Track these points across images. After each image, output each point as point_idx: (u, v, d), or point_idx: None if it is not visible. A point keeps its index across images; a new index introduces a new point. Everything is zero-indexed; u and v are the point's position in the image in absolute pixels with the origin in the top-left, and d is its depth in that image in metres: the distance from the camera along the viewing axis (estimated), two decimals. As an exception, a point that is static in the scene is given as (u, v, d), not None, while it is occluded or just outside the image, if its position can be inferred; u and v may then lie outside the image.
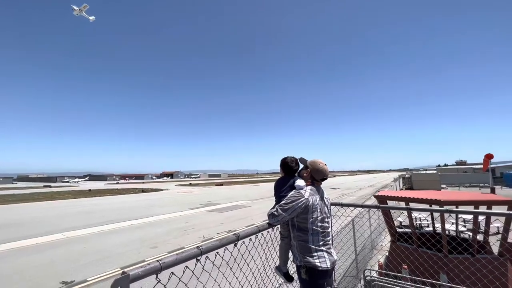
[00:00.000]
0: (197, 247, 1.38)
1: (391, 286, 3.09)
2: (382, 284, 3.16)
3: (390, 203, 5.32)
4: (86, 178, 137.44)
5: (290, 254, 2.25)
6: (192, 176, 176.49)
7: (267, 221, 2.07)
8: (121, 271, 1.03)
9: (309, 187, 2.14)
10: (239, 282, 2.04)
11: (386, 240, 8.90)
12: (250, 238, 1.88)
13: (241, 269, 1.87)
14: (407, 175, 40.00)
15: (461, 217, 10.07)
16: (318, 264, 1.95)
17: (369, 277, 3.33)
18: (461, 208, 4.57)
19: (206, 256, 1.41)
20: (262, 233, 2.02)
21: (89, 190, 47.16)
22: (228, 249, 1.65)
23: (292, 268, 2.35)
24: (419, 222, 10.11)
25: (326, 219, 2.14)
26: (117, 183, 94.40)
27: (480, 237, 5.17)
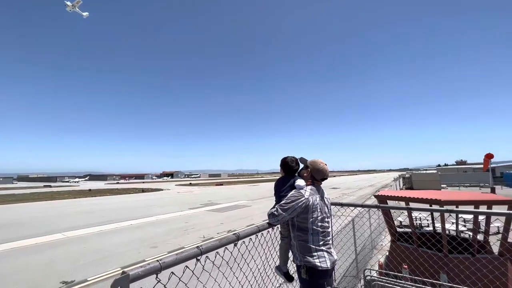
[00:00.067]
0: (197, 247, 1.37)
1: (391, 286, 3.09)
2: (382, 284, 3.16)
3: (390, 203, 5.32)
4: (86, 178, 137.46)
5: (290, 254, 2.25)
6: (192, 176, 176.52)
7: (267, 221, 2.06)
8: (121, 271, 1.03)
9: (309, 186, 2.14)
10: (239, 282, 2.03)
11: (386, 240, 8.90)
12: (250, 238, 1.88)
13: (241, 269, 1.87)
14: (407, 175, 40.01)
15: (461, 217, 10.07)
16: (318, 264, 1.95)
17: (369, 277, 3.33)
18: (461, 208, 4.56)
19: (206, 256, 1.41)
20: (262, 233, 2.02)
21: (89, 190, 47.17)
22: (228, 249, 1.65)
23: (292, 268, 2.35)
24: (419, 222, 10.12)
25: (326, 219, 2.14)
26: (117, 183, 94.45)
27: (480, 237, 5.18)
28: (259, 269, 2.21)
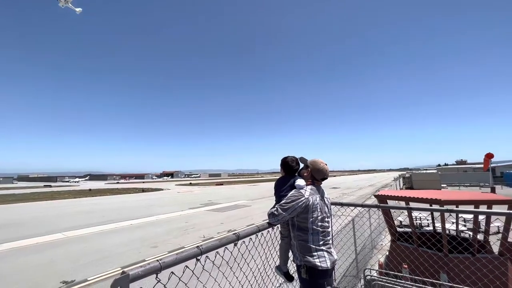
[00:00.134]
0: (197, 246, 1.37)
1: (391, 285, 3.09)
2: (382, 283, 3.16)
3: (390, 203, 5.32)
4: (87, 178, 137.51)
5: (290, 253, 2.25)
6: (192, 176, 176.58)
7: (267, 221, 2.06)
8: (121, 271, 1.03)
9: (309, 186, 2.14)
10: (239, 282, 2.03)
11: (386, 240, 8.90)
12: (250, 238, 1.88)
13: (241, 268, 1.87)
14: (407, 175, 40.01)
15: (462, 216, 10.07)
16: (318, 264, 1.95)
17: (369, 277, 3.33)
18: (461, 207, 4.56)
19: (206, 256, 1.41)
20: (262, 233, 2.02)
21: (89, 189, 47.19)
22: (228, 249, 1.65)
23: (292, 267, 2.35)
24: (419, 221, 10.12)
25: (326, 219, 2.14)
26: (117, 182, 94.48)
27: (480, 236, 5.18)
28: (259, 269, 2.21)
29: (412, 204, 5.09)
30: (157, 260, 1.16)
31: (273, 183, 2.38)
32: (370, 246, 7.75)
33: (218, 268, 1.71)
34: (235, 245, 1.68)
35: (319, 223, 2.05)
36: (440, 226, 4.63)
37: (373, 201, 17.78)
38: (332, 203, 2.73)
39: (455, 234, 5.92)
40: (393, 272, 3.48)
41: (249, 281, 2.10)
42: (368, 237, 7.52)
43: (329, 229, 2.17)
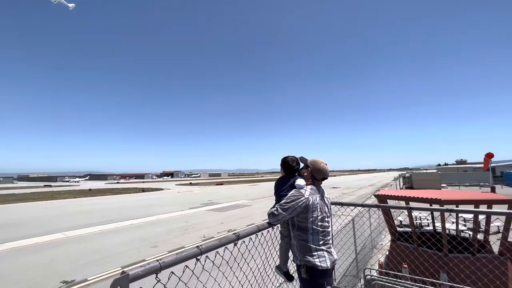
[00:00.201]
0: (197, 246, 1.37)
1: (391, 285, 3.09)
2: (382, 283, 3.16)
3: (390, 202, 5.32)
4: (87, 178, 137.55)
5: (290, 253, 2.25)
6: (192, 176, 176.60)
7: (267, 221, 2.06)
8: (120, 271, 1.03)
9: (309, 186, 2.14)
10: (239, 282, 2.03)
11: (386, 239, 8.91)
12: (250, 238, 1.88)
13: (241, 268, 1.87)
14: (407, 174, 40.00)
15: (461, 216, 10.07)
16: (318, 264, 1.95)
17: (369, 276, 3.33)
18: (461, 207, 4.56)
19: (206, 256, 1.41)
20: (262, 233, 2.02)
21: (90, 189, 47.20)
22: (228, 249, 1.65)
23: (292, 267, 2.35)
24: (419, 221, 10.11)
25: (326, 219, 2.14)
26: (118, 182, 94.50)
27: (480, 236, 5.18)
28: (259, 269, 2.21)
29: (412, 204, 5.08)
30: (157, 260, 1.16)
31: (273, 183, 2.38)
32: (370, 246, 7.75)
33: (218, 268, 1.71)
34: (235, 245, 1.67)
35: (319, 223, 2.05)
36: (440, 226, 4.63)
37: (373, 200, 17.78)
38: (332, 203, 2.73)
39: (455, 233, 5.92)
40: (393, 272, 3.49)
41: (249, 281, 2.10)
42: (368, 236, 7.53)
43: (329, 229, 2.17)
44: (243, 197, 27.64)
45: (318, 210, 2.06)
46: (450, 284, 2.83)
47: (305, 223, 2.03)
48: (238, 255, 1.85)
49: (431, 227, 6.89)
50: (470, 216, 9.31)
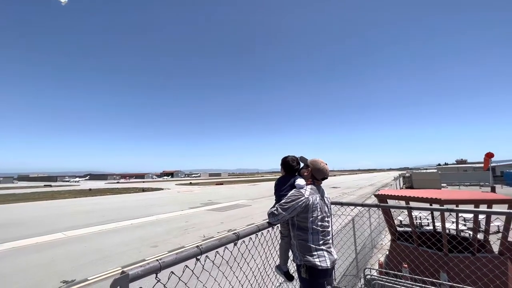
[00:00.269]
0: (197, 246, 1.37)
1: (391, 285, 3.09)
2: (383, 283, 3.16)
3: (390, 202, 5.31)
4: (87, 178, 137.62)
5: (290, 253, 2.25)
6: (192, 175, 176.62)
7: (267, 220, 2.06)
8: (120, 271, 1.03)
9: (309, 186, 2.14)
10: (239, 282, 2.03)
11: (386, 239, 8.91)
12: (250, 237, 1.87)
13: (241, 268, 1.87)
14: (407, 174, 40.00)
15: (462, 216, 10.07)
16: (318, 263, 1.95)
17: (369, 276, 3.33)
18: (461, 207, 4.57)
19: (206, 256, 1.41)
20: (262, 232, 2.01)
21: (90, 189, 47.22)
22: (228, 248, 1.65)
23: (292, 267, 2.35)
24: (419, 221, 10.11)
25: (326, 218, 2.14)
26: (118, 182, 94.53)
27: (480, 236, 5.17)
28: (259, 269, 2.21)
29: (412, 204, 5.09)
30: (157, 260, 1.16)
31: (273, 183, 2.37)
32: (370, 246, 7.76)
33: (218, 267, 1.71)
34: (235, 244, 1.67)
35: (319, 223, 2.05)
36: (440, 226, 4.63)
37: (373, 200, 17.77)
38: (332, 203, 2.73)
39: (455, 233, 5.93)
40: (393, 272, 3.48)
41: (249, 281, 2.10)
42: (368, 236, 7.53)
43: (329, 229, 2.17)
44: (243, 197, 27.65)
45: (318, 210, 2.06)
46: (450, 283, 2.83)
47: (305, 223, 2.03)
48: (238, 255, 1.85)
49: (431, 227, 6.89)
50: (470, 215, 9.31)
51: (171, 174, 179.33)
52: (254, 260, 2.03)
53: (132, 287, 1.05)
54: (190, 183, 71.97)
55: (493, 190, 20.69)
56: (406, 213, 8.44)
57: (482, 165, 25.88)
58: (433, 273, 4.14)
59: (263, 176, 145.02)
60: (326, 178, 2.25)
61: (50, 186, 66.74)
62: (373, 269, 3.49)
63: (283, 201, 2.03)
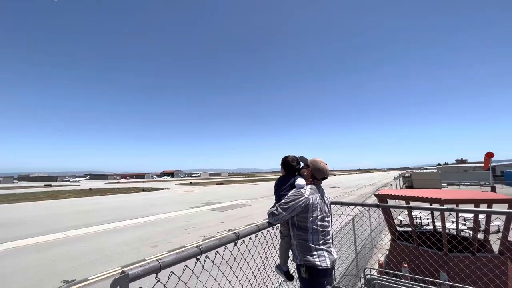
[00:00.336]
0: (197, 246, 1.37)
1: (391, 284, 3.09)
2: (383, 282, 3.16)
3: (391, 202, 5.32)
4: (87, 177, 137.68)
5: (290, 253, 2.25)
6: (193, 175, 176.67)
7: (267, 220, 2.06)
8: (120, 271, 1.03)
9: (309, 186, 2.14)
10: (239, 281, 2.03)
11: (386, 239, 8.91)
12: (250, 237, 1.87)
13: (241, 268, 1.87)
14: (407, 174, 39.99)
15: (462, 215, 10.07)
16: (318, 263, 1.95)
17: (369, 276, 3.33)
18: (461, 206, 4.56)
19: (206, 255, 1.41)
20: (262, 232, 2.01)
21: (90, 189, 47.24)
22: (228, 248, 1.65)
23: (292, 267, 2.35)
24: (419, 220, 10.12)
25: (326, 218, 2.14)
26: (118, 182, 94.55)
27: (480, 235, 5.17)
28: (259, 268, 2.21)
29: (412, 203, 5.09)
30: (157, 260, 1.16)
31: (273, 183, 2.38)
32: (370, 245, 7.76)
33: (218, 267, 1.71)
34: (235, 244, 1.67)
35: (319, 223, 2.05)
36: (440, 225, 4.63)
37: (373, 200, 17.77)
38: (332, 203, 2.73)
39: (455, 233, 5.92)
40: (393, 271, 3.49)
41: (249, 281, 2.10)
42: (368, 236, 7.53)
43: (329, 229, 2.17)
44: (243, 197, 27.66)
45: (318, 209, 2.07)
46: (450, 283, 2.83)
47: (305, 223, 2.04)
48: (238, 255, 1.86)
49: (431, 227, 6.89)
50: (470, 215, 9.31)
51: (171, 174, 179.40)
52: (254, 260, 2.03)
53: (132, 287, 1.05)
54: (190, 183, 72.00)
55: (493, 189, 20.69)
56: (406, 212, 8.44)
57: (482, 164, 25.89)
58: (433, 273, 4.15)
59: (263, 176, 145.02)
60: (326, 178, 2.25)
61: (50, 186, 66.78)
62: (373, 268, 3.49)
63: (283, 200, 2.03)
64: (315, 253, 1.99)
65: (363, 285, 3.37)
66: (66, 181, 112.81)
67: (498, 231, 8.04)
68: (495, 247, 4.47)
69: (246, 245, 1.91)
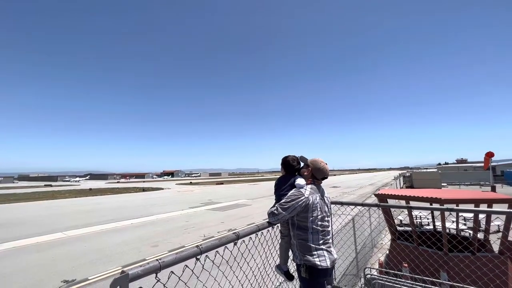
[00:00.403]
0: (197, 246, 1.37)
1: (391, 284, 3.09)
2: (383, 282, 3.16)
3: (391, 202, 5.32)
4: (87, 177, 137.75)
5: (290, 252, 2.25)
6: (193, 175, 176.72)
7: (267, 220, 2.06)
8: (120, 270, 1.03)
9: (309, 185, 2.14)
10: (239, 281, 2.03)
11: (386, 239, 8.91)
12: (250, 237, 1.87)
13: (241, 268, 1.87)
14: (407, 174, 39.99)
15: (462, 215, 10.07)
16: (318, 263, 1.95)
17: (369, 275, 3.33)
18: (461, 206, 4.56)
19: (206, 255, 1.41)
20: (262, 232, 2.01)
21: (90, 189, 47.26)
22: (228, 248, 1.65)
23: (292, 266, 2.35)
24: (420, 220, 10.12)
25: (326, 218, 2.14)
26: (118, 182, 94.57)
27: (480, 235, 5.17)
28: (259, 268, 2.21)
29: (412, 203, 5.09)
30: (157, 260, 1.16)
31: (273, 182, 2.38)
32: (370, 245, 7.76)
33: (218, 267, 1.71)
34: (235, 244, 1.67)
35: (319, 222, 2.05)
36: (440, 225, 4.63)
37: (373, 200, 17.77)
38: (332, 202, 2.73)
39: (455, 233, 5.92)
40: (393, 271, 3.49)
41: (249, 280, 2.10)
42: (368, 236, 7.53)
43: (329, 228, 2.17)
44: (243, 197, 27.66)
45: (318, 209, 2.07)
46: (450, 283, 2.83)
47: (305, 223, 2.04)
48: (238, 255, 1.86)
49: (431, 226, 6.89)
50: (470, 215, 9.31)
51: (171, 174, 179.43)
52: (254, 260, 2.03)
53: (132, 287, 1.05)
54: (190, 182, 72.03)
55: (493, 189, 20.68)
56: (406, 212, 8.44)
57: (483, 164, 25.88)
58: (433, 273, 4.14)
59: (263, 176, 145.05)
60: (326, 177, 2.25)
61: (51, 186, 66.81)
62: (373, 268, 3.49)
63: (283, 200, 2.03)
64: (315, 253, 1.99)
65: (363, 285, 3.37)
66: (66, 181, 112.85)
67: (498, 231, 8.04)
68: (495, 247, 4.47)
69: (246, 245, 1.91)
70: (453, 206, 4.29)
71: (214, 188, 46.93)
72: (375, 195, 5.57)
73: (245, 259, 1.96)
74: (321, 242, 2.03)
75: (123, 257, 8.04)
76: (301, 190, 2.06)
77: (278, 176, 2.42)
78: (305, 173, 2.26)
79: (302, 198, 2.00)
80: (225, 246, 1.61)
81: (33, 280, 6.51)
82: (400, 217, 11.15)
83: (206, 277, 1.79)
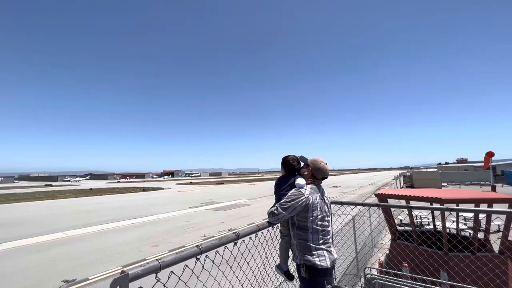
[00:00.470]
0: (197, 246, 1.37)
1: (391, 284, 3.09)
2: (383, 282, 3.16)
3: (391, 201, 5.32)
4: (87, 177, 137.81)
5: (290, 252, 2.25)
6: (193, 175, 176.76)
7: (267, 220, 2.06)
8: (120, 270, 1.03)
9: (310, 185, 2.14)
10: (239, 281, 2.03)
11: (386, 238, 8.91)
12: (250, 237, 1.87)
13: (241, 267, 1.87)
14: (407, 173, 39.97)
15: (462, 215, 10.06)
16: (318, 263, 1.95)
17: (369, 275, 3.33)
18: (461, 206, 4.56)
19: (206, 255, 1.41)
20: (262, 232, 2.02)
21: (90, 189, 47.28)
22: (228, 248, 1.65)
23: (292, 266, 2.35)
24: (420, 220, 10.12)
25: (326, 218, 2.14)
26: (118, 182, 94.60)
27: (480, 235, 5.17)
28: (259, 268, 2.21)
29: (413, 203, 5.09)
30: (157, 260, 1.16)
31: (273, 182, 2.38)
32: (371, 245, 7.75)
33: (218, 267, 1.71)
34: (235, 244, 1.67)
35: (319, 222, 2.05)
36: (441, 225, 4.63)
37: (373, 200, 17.77)
38: (332, 202, 2.73)
39: (455, 232, 5.92)
40: (393, 271, 3.48)
41: (249, 280, 2.10)
42: (369, 235, 7.53)
43: (329, 228, 2.17)
44: (243, 196, 27.67)
45: (318, 209, 2.07)
46: (451, 283, 2.83)
47: (305, 222, 2.04)
48: (238, 255, 1.86)
49: (431, 226, 6.89)
50: (471, 215, 9.31)
51: (171, 174, 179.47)
52: (254, 260, 2.04)
53: (132, 287, 1.05)
54: (191, 182, 72.06)
55: (493, 189, 20.67)
56: (407, 212, 8.44)
57: (483, 164, 25.87)
58: (434, 272, 4.14)
59: (263, 176, 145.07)
60: (326, 177, 2.26)
61: (51, 185, 66.85)
62: (374, 268, 3.49)
63: (283, 200, 2.03)
64: (315, 252, 1.99)
65: (363, 285, 3.37)
66: (67, 181, 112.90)
67: (498, 231, 8.04)
68: (496, 247, 4.47)
69: (246, 245, 1.91)
70: (453, 206, 4.29)
71: (214, 188, 46.95)
72: (375, 194, 5.57)
73: (245, 259, 1.96)
74: (321, 242, 2.03)
75: (123, 257, 8.05)
76: (301, 190, 2.06)
77: (278, 176, 2.42)
78: (305, 173, 2.26)
79: (302, 198, 2.00)
80: (225, 246, 1.61)
81: (33, 280, 6.51)
82: (400, 217, 11.15)
83: (206, 277, 1.79)
